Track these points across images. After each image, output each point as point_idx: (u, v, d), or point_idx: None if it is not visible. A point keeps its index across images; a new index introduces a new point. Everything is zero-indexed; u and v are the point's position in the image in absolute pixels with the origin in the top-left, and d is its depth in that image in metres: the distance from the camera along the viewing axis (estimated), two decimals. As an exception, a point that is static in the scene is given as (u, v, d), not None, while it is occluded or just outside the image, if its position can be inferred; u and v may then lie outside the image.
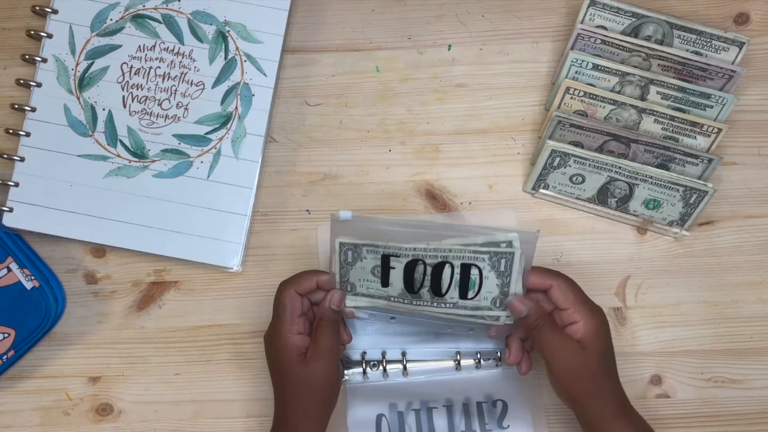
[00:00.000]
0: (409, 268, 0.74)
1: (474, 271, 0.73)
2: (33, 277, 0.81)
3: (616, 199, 0.84)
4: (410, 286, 0.74)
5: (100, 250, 0.86)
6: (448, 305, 0.74)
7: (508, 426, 0.82)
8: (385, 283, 0.75)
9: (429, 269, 0.73)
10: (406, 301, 0.74)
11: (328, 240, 0.85)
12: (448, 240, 0.74)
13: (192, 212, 0.83)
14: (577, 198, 0.85)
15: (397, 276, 0.74)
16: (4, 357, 0.80)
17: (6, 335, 0.80)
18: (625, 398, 0.76)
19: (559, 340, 0.73)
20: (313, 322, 0.77)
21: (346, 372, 0.83)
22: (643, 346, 0.85)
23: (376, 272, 0.74)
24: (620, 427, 0.74)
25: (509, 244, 0.73)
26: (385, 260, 0.74)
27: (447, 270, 0.73)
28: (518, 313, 0.73)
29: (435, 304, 0.74)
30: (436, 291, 0.74)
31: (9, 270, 0.81)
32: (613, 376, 0.76)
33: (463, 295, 0.74)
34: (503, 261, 0.73)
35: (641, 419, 0.76)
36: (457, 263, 0.73)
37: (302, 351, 0.75)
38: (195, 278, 0.85)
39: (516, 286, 0.73)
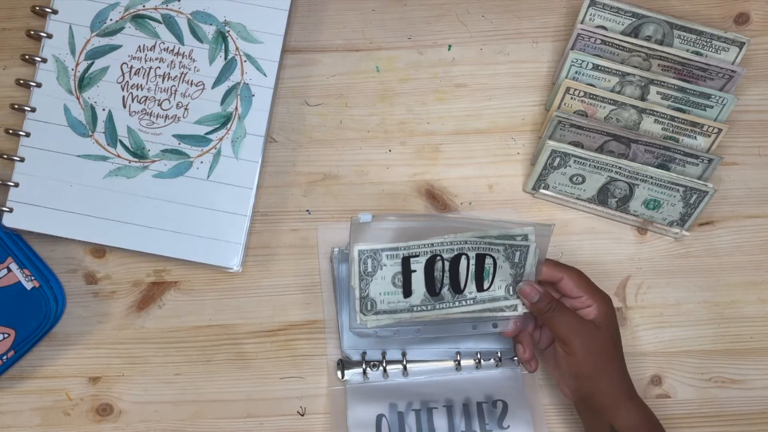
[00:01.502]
0: (429, 266, 0.75)
1: (488, 261, 0.75)
2: (33, 278, 0.81)
3: (617, 200, 0.84)
4: (432, 287, 0.75)
5: (100, 251, 0.86)
6: (468, 301, 0.75)
7: (508, 426, 0.82)
8: (407, 292, 0.75)
9: (447, 264, 0.75)
10: (429, 307, 0.75)
11: (328, 240, 0.85)
12: (463, 233, 0.75)
13: (192, 212, 0.83)
14: (577, 198, 0.85)
15: (418, 280, 0.75)
16: (4, 357, 0.80)
17: (6, 335, 0.80)
18: (632, 384, 0.78)
19: (575, 319, 0.75)
20: None
21: (346, 372, 0.83)
22: (644, 346, 0.85)
23: (398, 281, 0.75)
24: (634, 408, 0.76)
25: (524, 237, 0.76)
26: (406, 263, 0.75)
27: (463, 262, 0.75)
28: (530, 298, 0.75)
29: (456, 303, 0.75)
30: (456, 287, 0.75)
31: (9, 270, 0.81)
32: (623, 359, 0.78)
33: (479, 287, 0.75)
34: (518, 253, 0.76)
35: (647, 406, 0.77)
36: (472, 254, 0.75)
37: None
38: (195, 278, 0.85)
39: (528, 277, 0.76)
